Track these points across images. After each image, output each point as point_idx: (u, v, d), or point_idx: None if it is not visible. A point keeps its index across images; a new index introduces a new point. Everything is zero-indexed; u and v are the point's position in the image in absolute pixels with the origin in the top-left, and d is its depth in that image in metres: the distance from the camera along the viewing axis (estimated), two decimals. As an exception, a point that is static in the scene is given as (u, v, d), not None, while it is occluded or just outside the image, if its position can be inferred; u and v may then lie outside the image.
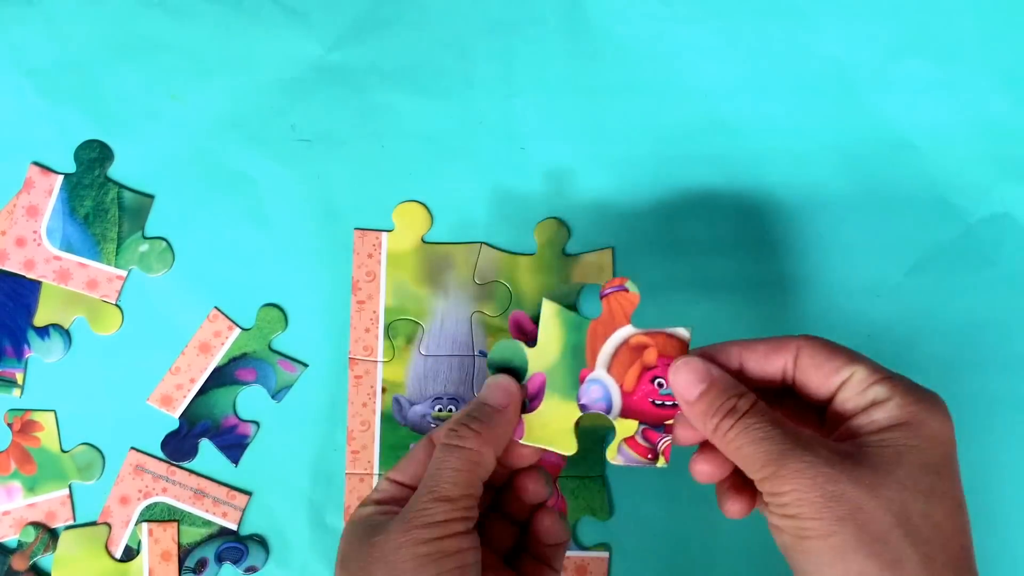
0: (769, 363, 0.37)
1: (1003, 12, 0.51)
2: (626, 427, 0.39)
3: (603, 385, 0.39)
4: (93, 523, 0.50)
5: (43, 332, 0.50)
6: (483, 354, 0.50)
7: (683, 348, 0.38)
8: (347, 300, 0.50)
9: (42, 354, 0.50)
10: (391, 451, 0.50)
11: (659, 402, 0.39)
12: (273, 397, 0.50)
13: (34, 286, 0.50)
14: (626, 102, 0.50)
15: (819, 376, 0.36)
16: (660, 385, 0.39)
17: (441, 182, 0.51)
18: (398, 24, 0.51)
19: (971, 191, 0.51)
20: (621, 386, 0.39)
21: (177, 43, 0.50)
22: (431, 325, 0.50)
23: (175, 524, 0.49)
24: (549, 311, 0.40)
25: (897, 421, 0.34)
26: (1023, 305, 0.51)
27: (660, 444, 0.39)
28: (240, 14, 0.50)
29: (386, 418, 0.50)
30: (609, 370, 0.39)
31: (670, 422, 0.38)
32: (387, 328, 0.50)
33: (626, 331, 0.39)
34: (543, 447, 0.39)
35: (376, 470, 0.50)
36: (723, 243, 0.50)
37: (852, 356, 0.36)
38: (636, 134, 0.50)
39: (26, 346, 0.50)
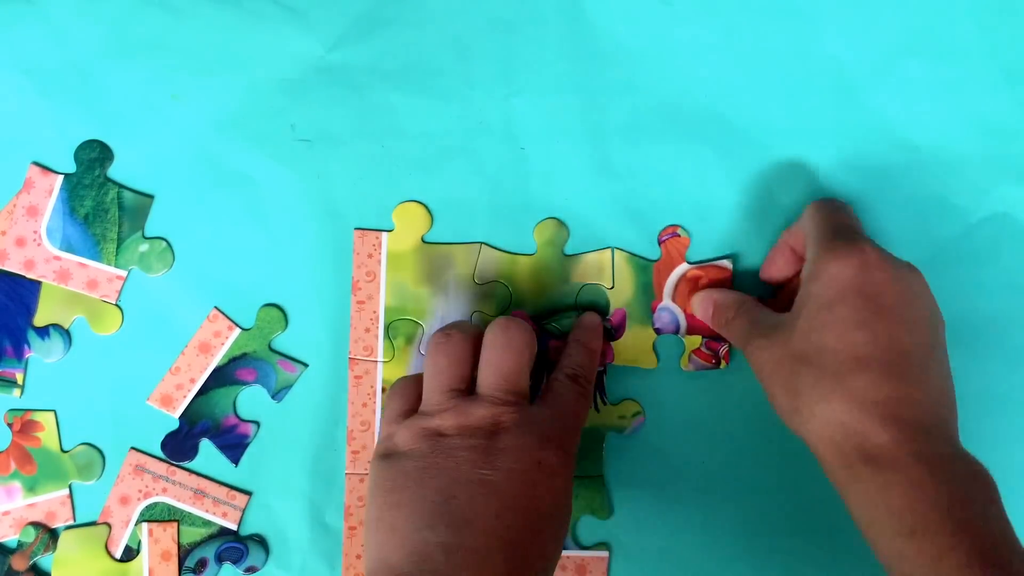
0: (776, 269, 0.48)
1: (1003, 12, 0.51)
2: (692, 341, 0.50)
3: (671, 312, 0.50)
4: (93, 523, 0.50)
5: (43, 332, 0.50)
6: (483, 354, 0.50)
7: (728, 276, 0.50)
8: (347, 300, 0.50)
9: (42, 354, 0.50)
10: (391, 451, 0.50)
11: None
12: (273, 397, 0.50)
13: (34, 286, 0.50)
14: (626, 102, 0.50)
15: (801, 248, 0.46)
16: None
17: (441, 182, 0.51)
18: (398, 24, 0.51)
19: (971, 191, 0.51)
20: (685, 310, 0.50)
21: (177, 43, 0.50)
22: (431, 325, 0.50)
23: (175, 524, 0.50)
24: (620, 259, 0.50)
25: (808, 274, 0.43)
26: (1023, 305, 0.51)
27: (720, 351, 0.50)
28: (240, 14, 0.50)
29: (386, 418, 0.50)
30: (674, 299, 0.50)
31: None
32: (387, 328, 0.50)
33: (683, 267, 0.50)
34: (630, 365, 0.50)
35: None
36: (723, 243, 0.50)
37: (812, 220, 0.45)
38: (636, 134, 0.50)
39: (26, 346, 0.50)
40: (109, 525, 0.50)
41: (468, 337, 0.44)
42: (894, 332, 0.40)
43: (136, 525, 0.49)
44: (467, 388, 0.43)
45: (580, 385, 0.45)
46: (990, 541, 0.36)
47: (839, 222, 0.44)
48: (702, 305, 0.49)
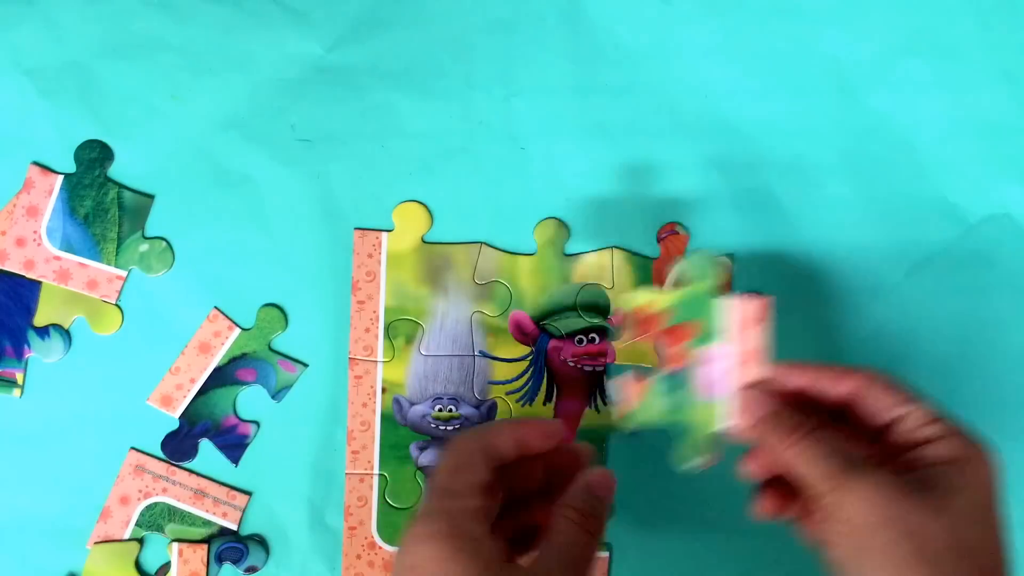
0: (836, 387, 0.40)
1: (1003, 12, 0.51)
2: None
3: None
4: (123, 540, 0.50)
5: (43, 332, 0.50)
6: (483, 354, 0.50)
7: (727, 269, 0.49)
8: (347, 300, 0.50)
9: (42, 354, 0.50)
10: (391, 451, 0.50)
11: None
12: (273, 397, 0.50)
13: (34, 286, 0.50)
14: (626, 102, 0.50)
15: (880, 407, 0.39)
16: None
17: (441, 182, 0.51)
18: (398, 24, 0.51)
19: (971, 191, 0.51)
20: None
21: (177, 43, 0.50)
22: (431, 325, 0.50)
23: (204, 547, 0.50)
24: (620, 258, 0.50)
25: (951, 458, 0.37)
26: (1023, 305, 0.51)
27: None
28: (240, 14, 0.50)
29: (386, 418, 0.50)
30: None
31: None
32: (387, 328, 0.50)
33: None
34: (632, 364, 0.50)
35: (376, 470, 0.50)
36: (723, 243, 0.50)
37: (913, 394, 0.39)
38: (636, 134, 0.50)
39: (26, 346, 0.50)
40: (139, 542, 0.50)
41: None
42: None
43: (167, 544, 0.50)
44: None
45: (589, 532, 0.39)
46: None
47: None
48: (765, 403, 0.41)
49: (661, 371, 0.43)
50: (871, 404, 0.40)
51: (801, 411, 0.40)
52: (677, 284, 0.43)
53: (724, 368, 0.42)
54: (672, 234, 0.50)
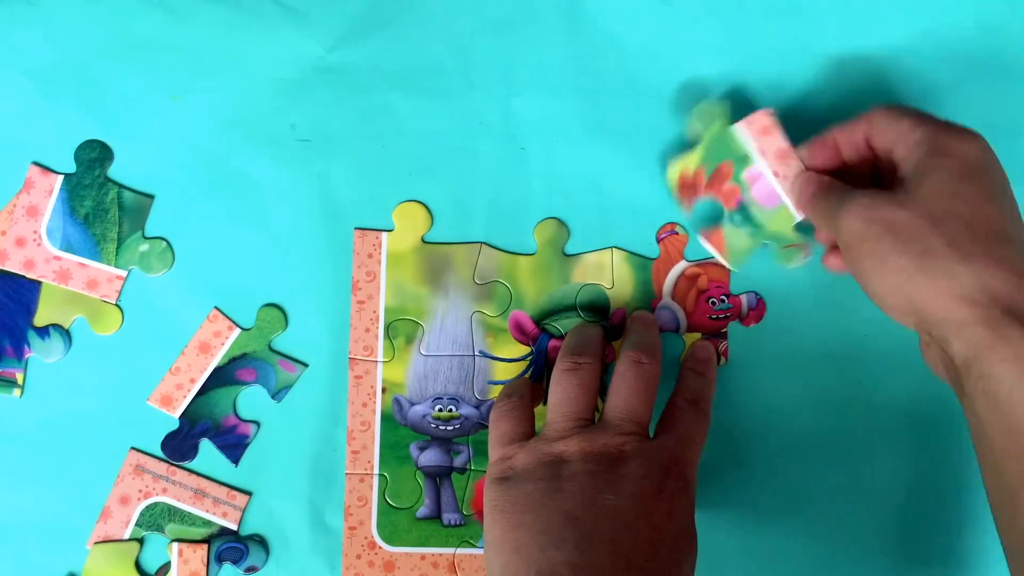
0: (853, 137, 0.45)
1: (1003, 12, 0.51)
2: (693, 339, 0.50)
3: (671, 310, 0.50)
4: (123, 540, 0.50)
5: (43, 332, 0.50)
6: (483, 354, 0.50)
7: (726, 272, 0.50)
8: (347, 300, 0.50)
9: (42, 354, 0.50)
10: (391, 451, 0.50)
11: (714, 316, 0.50)
12: (273, 397, 0.50)
13: (34, 286, 0.50)
14: (626, 102, 0.50)
15: (888, 137, 0.43)
16: (713, 304, 0.50)
17: (441, 182, 0.51)
18: (398, 24, 0.51)
19: (971, 191, 0.51)
20: (684, 308, 0.50)
21: (177, 43, 0.50)
22: (431, 325, 0.50)
23: (204, 547, 0.50)
24: (619, 258, 0.50)
25: (927, 151, 0.41)
26: (1023, 305, 0.51)
27: (720, 348, 0.50)
28: (240, 14, 0.50)
29: (386, 418, 0.50)
30: (673, 297, 0.50)
31: (725, 330, 0.50)
32: (387, 328, 0.50)
33: (682, 265, 0.50)
34: None
35: (376, 470, 0.50)
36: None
37: (913, 113, 0.43)
38: (636, 134, 0.50)
39: (26, 346, 0.50)
40: (139, 542, 0.50)
41: (598, 364, 0.45)
42: (1016, 214, 0.40)
43: (167, 544, 0.50)
44: (592, 418, 0.44)
45: (700, 409, 0.46)
46: None
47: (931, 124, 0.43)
48: (809, 183, 0.46)
49: (727, 212, 0.48)
50: (882, 138, 0.44)
51: (840, 179, 0.45)
52: (694, 143, 0.48)
53: (770, 178, 0.47)
54: (672, 234, 0.50)
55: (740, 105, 0.49)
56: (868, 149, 0.45)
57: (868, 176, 0.46)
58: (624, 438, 0.42)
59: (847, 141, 0.45)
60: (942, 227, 0.39)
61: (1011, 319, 0.37)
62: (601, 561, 0.39)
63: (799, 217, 0.47)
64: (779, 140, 0.47)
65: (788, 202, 0.47)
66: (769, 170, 0.47)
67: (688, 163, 0.48)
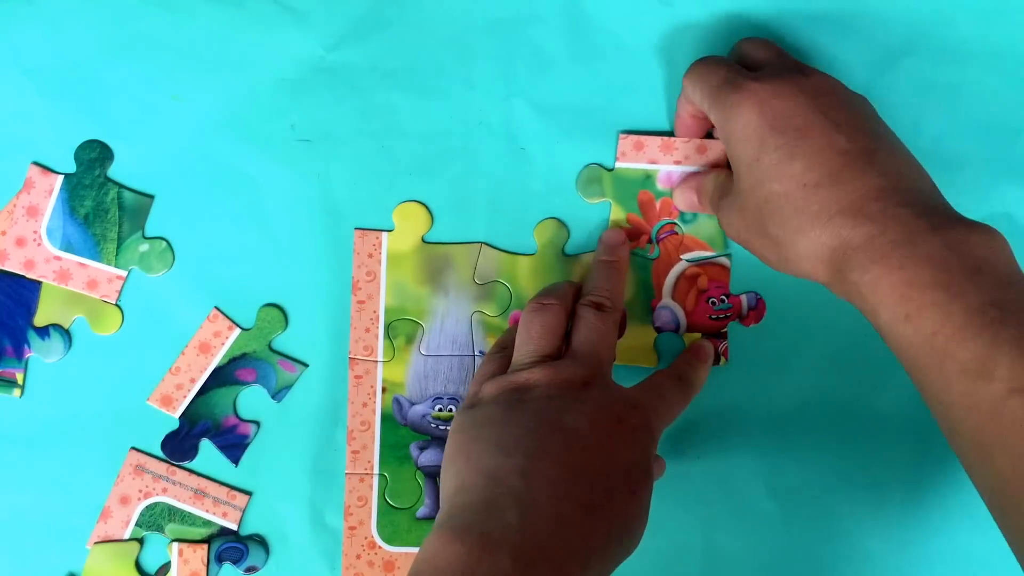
0: (687, 108, 0.48)
1: (1003, 12, 0.51)
2: (692, 339, 0.50)
3: (670, 310, 0.50)
4: (122, 540, 0.50)
5: (43, 332, 0.50)
6: (483, 354, 0.50)
7: (726, 272, 0.50)
8: (347, 300, 0.50)
9: (42, 354, 0.50)
10: (391, 451, 0.50)
11: (714, 316, 0.50)
12: (273, 397, 0.50)
13: (34, 286, 0.50)
14: (626, 102, 0.50)
15: (696, 109, 0.47)
16: (713, 303, 0.50)
17: (441, 182, 0.51)
18: (398, 24, 0.51)
19: (971, 191, 0.51)
20: (684, 308, 0.50)
21: (177, 43, 0.50)
22: (431, 325, 0.50)
23: (204, 547, 0.50)
24: None
25: (723, 137, 0.44)
26: (1023, 305, 0.51)
27: (720, 348, 0.50)
28: (240, 14, 0.50)
29: (386, 418, 0.50)
30: (673, 297, 0.50)
31: (725, 330, 0.50)
32: (387, 328, 0.50)
33: (681, 265, 0.50)
34: (631, 364, 0.50)
35: (376, 470, 0.50)
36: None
37: (691, 76, 0.46)
38: (636, 134, 0.50)
39: (26, 346, 0.50)
40: (139, 542, 0.50)
41: (564, 308, 0.46)
42: (824, 143, 0.40)
43: (167, 544, 0.50)
44: (557, 355, 0.44)
45: (683, 385, 0.46)
46: (980, 300, 0.36)
47: (717, 76, 0.44)
48: (684, 196, 0.49)
49: (678, 221, 0.50)
50: (696, 109, 0.47)
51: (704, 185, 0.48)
52: (608, 201, 0.50)
53: (677, 171, 0.49)
54: (672, 234, 0.50)
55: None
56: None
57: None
58: (590, 370, 0.43)
59: (693, 113, 0.47)
60: (769, 214, 0.41)
61: (849, 266, 0.39)
62: (552, 471, 0.39)
63: None
64: (655, 141, 0.49)
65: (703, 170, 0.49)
66: (670, 166, 0.49)
67: (617, 217, 0.50)
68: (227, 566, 0.50)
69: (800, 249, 0.41)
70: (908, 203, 0.39)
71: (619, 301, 0.47)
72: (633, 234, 0.50)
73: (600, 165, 0.50)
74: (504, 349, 0.47)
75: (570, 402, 0.41)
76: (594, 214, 0.51)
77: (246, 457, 0.50)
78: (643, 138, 0.50)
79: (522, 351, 0.45)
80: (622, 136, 0.49)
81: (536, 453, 0.40)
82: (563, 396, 0.42)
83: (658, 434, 0.43)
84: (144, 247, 0.50)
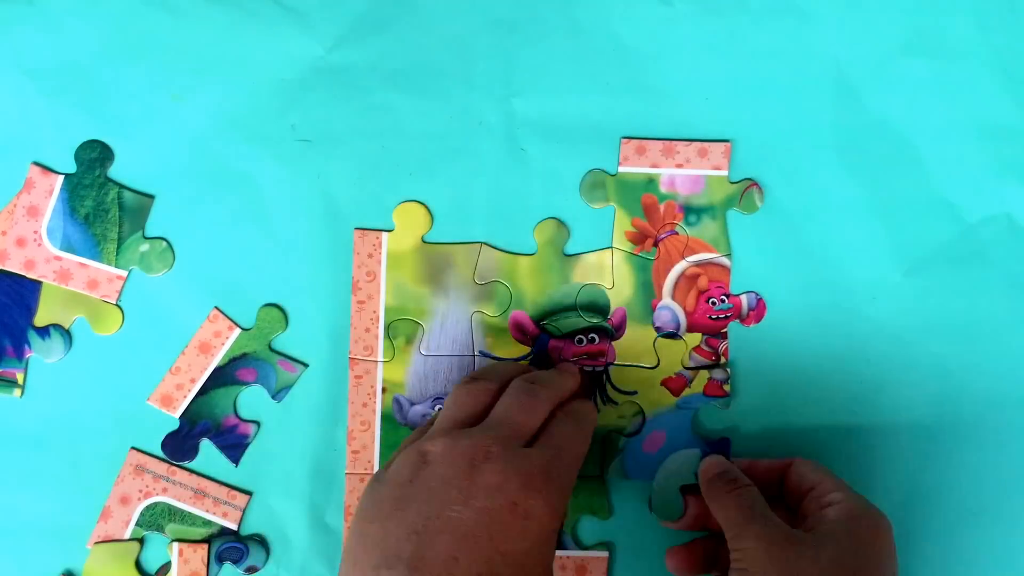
0: (772, 465, 0.48)
1: (1003, 12, 0.51)
2: (693, 339, 0.50)
3: (671, 310, 0.50)
4: (123, 540, 0.50)
5: (43, 332, 0.50)
6: (483, 354, 0.50)
7: (727, 272, 0.50)
8: (347, 300, 0.50)
9: (43, 354, 0.50)
10: (391, 451, 0.50)
11: (714, 316, 0.50)
12: (273, 397, 0.50)
13: (34, 286, 0.50)
14: (627, 102, 0.50)
15: (802, 480, 0.46)
16: (713, 303, 0.50)
17: (441, 182, 0.51)
18: (398, 24, 0.51)
19: (970, 191, 0.51)
20: (684, 308, 0.50)
21: (177, 43, 0.50)
22: (431, 325, 0.50)
23: (205, 547, 0.50)
24: (619, 258, 0.50)
25: (837, 517, 0.43)
26: (1022, 305, 0.51)
27: (720, 348, 0.50)
28: (240, 14, 0.50)
29: (386, 418, 0.50)
30: (673, 297, 0.50)
31: (725, 330, 0.50)
32: (387, 328, 0.50)
33: (681, 265, 0.50)
34: (632, 364, 0.50)
35: (376, 470, 0.50)
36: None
37: (831, 474, 0.46)
38: (636, 135, 0.50)
39: (26, 346, 0.50)
40: (140, 542, 0.50)
41: (494, 388, 0.44)
42: None
43: (167, 544, 0.50)
44: (473, 424, 0.43)
45: (535, 387, 0.44)
46: None
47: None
48: (709, 462, 0.48)
49: (679, 224, 0.50)
50: (796, 477, 0.47)
51: (743, 474, 0.47)
52: (611, 206, 0.50)
53: (682, 169, 0.49)
54: (672, 234, 0.50)
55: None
56: (778, 476, 0.48)
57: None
58: (492, 440, 0.41)
59: (767, 467, 0.48)
60: None
61: None
62: None
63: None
64: (657, 144, 0.49)
65: (705, 173, 0.50)
66: (672, 170, 0.49)
67: (622, 223, 0.50)
68: (227, 566, 0.50)
69: None
70: None
71: (554, 395, 0.45)
72: (638, 238, 0.50)
73: (603, 170, 0.50)
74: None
75: (463, 486, 0.39)
76: (595, 215, 0.51)
77: (246, 457, 0.50)
78: (645, 142, 0.50)
79: (441, 416, 0.44)
80: (624, 140, 0.49)
81: (418, 564, 0.38)
82: (456, 479, 0.39)
83: (566, 499, 0.42)
84: (144, 247, 0.50)
